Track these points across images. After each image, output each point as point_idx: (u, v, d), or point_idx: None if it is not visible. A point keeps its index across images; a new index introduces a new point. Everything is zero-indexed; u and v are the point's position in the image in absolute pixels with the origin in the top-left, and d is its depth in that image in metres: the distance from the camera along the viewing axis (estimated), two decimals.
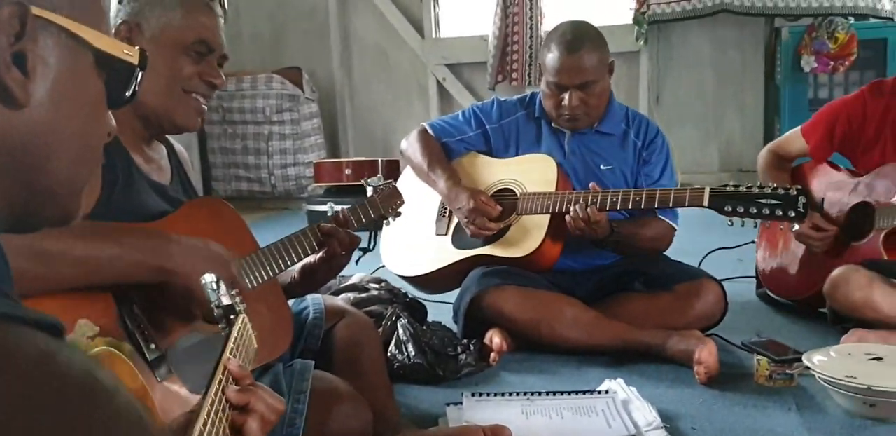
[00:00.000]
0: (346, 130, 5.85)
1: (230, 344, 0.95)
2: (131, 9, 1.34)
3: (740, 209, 2.02)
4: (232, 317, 1.02)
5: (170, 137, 1.53)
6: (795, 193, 1.98)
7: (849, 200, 2.34)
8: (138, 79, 0.63)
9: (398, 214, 1.87)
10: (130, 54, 0.61)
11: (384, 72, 5.80)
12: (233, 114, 5.34)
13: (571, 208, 2.13)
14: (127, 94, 0.63)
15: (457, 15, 5.81)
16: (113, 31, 1.33)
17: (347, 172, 4.62)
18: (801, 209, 1.97)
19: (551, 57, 2.26)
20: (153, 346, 1.18)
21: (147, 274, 1.17)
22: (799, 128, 2.50)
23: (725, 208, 2.04)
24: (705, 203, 2.06)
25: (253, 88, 5.29)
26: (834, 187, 2.40)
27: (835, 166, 2.46)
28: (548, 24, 5.23)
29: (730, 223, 2.06)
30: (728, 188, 2.04)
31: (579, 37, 2.24)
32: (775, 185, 2.03)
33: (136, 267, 1.16)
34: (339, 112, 5.82)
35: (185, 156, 1.58)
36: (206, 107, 1.42)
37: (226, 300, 1.01)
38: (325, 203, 4.51)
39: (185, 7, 1.35)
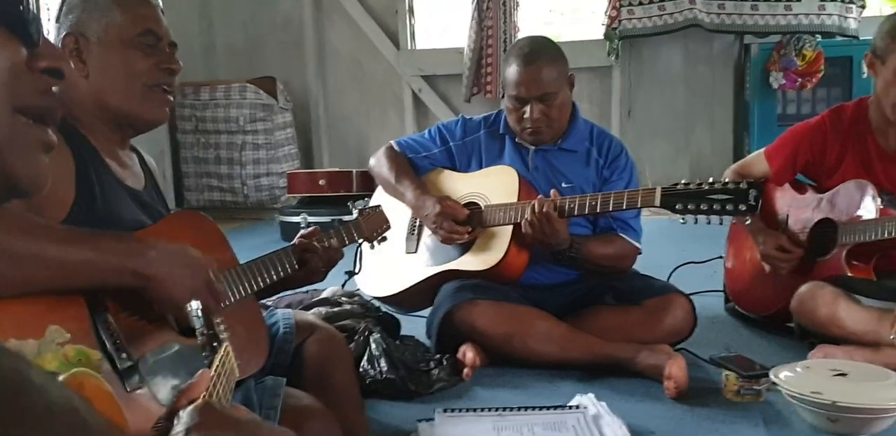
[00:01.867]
0: (321, 140, 5.85)
1: (213, 375, 0.95)
2: (70, 21, 1.37)
3: (691, 206, 1.99)
4: (215, 345, 1.02)
5: (141, 149, 1.54)
6: (746, 186, 1.94)
7: (812, 216, 2.38)
8: (28, 3, 0.58)
9: (384, 239, 1.88)
10: None
11: (359, 82, 5.81)
12: (206, 123, 5.32)
13: (527, 212, 2.14)
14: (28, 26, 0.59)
15: (432, 27, 5.85)
16: (60, 45, 1.35)
17: (321, 182, 4.61)
18: (753, 202, 1.93)
19: (510, 71, 2.30)
20: (125, 355, 1.17)
21: (123, 279, 1.17)
22: (763, 150, 2.54)
23: (677, 206, 2.00)
24: (657, 203, 2.04)
25: (227, 98, 5.27)
26: (798, 204, 2.45)
27: (799, 184, 2.50)
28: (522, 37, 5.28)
29: (682, 221, 2.03)
30: (679, 186, 2.03)
31: (536, 50, 2.28)
32: (726, 180, 2.01)
33: (112, 272, 1.15)
34: (313, 122, 5.82)
35: (153, 165, 1.58)
36: (171, 98, 1.43)
37: (209, 328, 1.02)
38: (298, 214, 4.52)
39: (121, 4, 1.37)
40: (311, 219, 4.44)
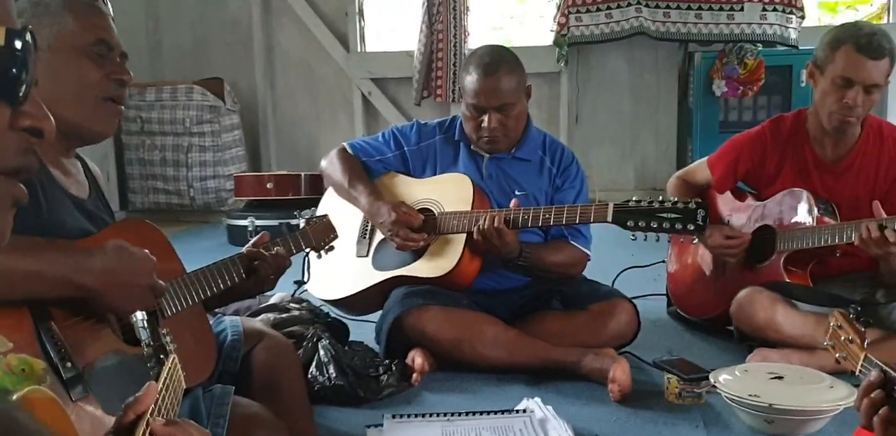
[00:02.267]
0: (269, 142, 5.80)
1: (161, 386, 0.95)
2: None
3: (642, 224, 2.05)
4: (162, 357, 1.02)
5: (84, 157, 1.52)
6: (695, 206, 2.01)
7: (752, 223, 2.45)
8: (21, 65, 0.58)
9: (331, 248, 1.88)
10: None
11: (308, 84, 5.78)
12: (151, 124, 5.23)
13: (478, 223, 2.17)
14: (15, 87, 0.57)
15: (382, 30, 5.85)
16: None
17: (269, 185, 4.57)
18: (700, 222, 2.00)
19: (470, 79, 2.31)
20: (69, 364, 1.15)
21: (67, 291, 1.16)
22: (706, 159, 2.61)
23: (628, 223, 2.06)
24: (609, 219, 2.09)
25: (173, 99, 5.19)
26: (738, 211, 2.52)
27: (739, 192, 2.57)
28: (472, 42, 5.32)
29: (633, 238, 2.09)
30: (630, 203, 2.08)
31: (497, 60, 2.30)
32: (675, 199, 2.06)
33: (56, 284, 1.15)
34: (261, 124, 5.77)
35: (98, 173, 1.56)
36: (122, 109, 1.41)
37: (156, 340, 1.01)
38: (245, 218, 4.48)
39: (74, 11, 1.34)
40: (258, 223, 4.41)
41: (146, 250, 1.28)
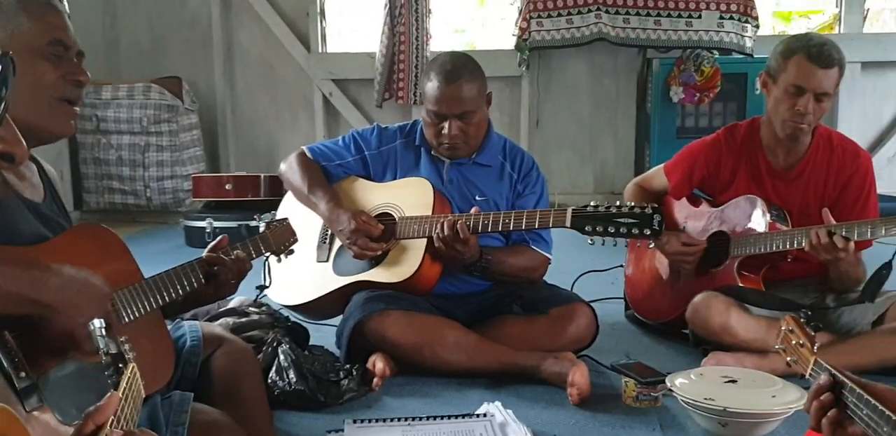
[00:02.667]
0: (227, 142, 5.74)
1: (121, 398, 0.94)
2: None
3: (599, 229, 2.07)
4: (121, 365, 1.01)
5: (36, 153, 1.49)
6: (651, 211, 2.04)
7: (707, 229, 2.49)
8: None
9: (291, 252, 1.87)
10: None
11: (268, 84, 5.74)
12: (107, 123, 5.14)
13: (437, 228, 2.18)
14: None
15: (344, 31, 5.83)
16: None
17: (228, 186, 4.53)
18: (657, 227, 2.04)
19: (431, 86, 2.31)
20: (23, 374, 1.13)
21: (23, 308, 1.14)
22: (662, 165, 2.66)
23: (586, 228, 2.09)
24: (568, 224, 2.12)
25: (129, 97, 5.12)
26: (693, 217, 2.56)
27: (695, 198, 2.62)
28: (434, 44, 5.33)
29: (591, 242, 2.11)
30: (588, 209, 2.10)
31: (459, 68, 2.30)
32: (632, 204, 2.09)
33: (11, 300, 1.12)
34: (219, 124, 5.72)
35: (54, 175, 1.53)
36: (77, 109, 1.38)
37: (114, 348, 1.00)
38: (203, 219, 4.44)
39: (29, 11, 1.31)
40: (216, 224, 4.37)
41: (103, 281, 1.25)
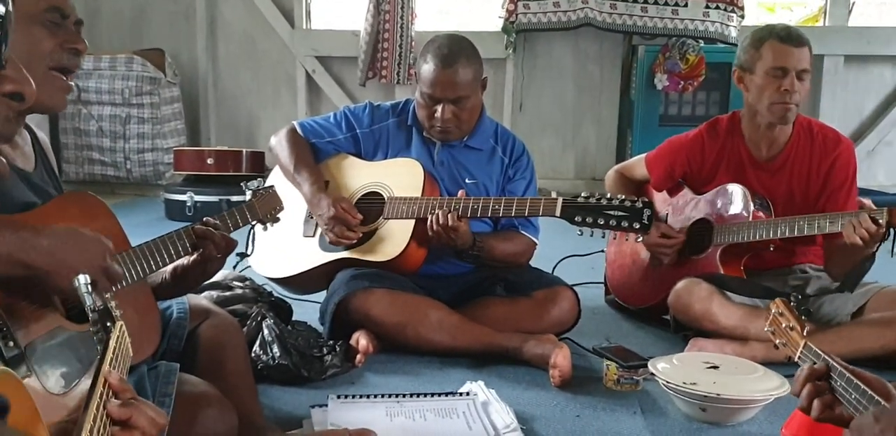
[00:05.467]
0: (209, 116, 5.68)
1: (109, 354, 0.93)
2: None
3: (589, 220, 2.10)
4: (109, 324, 0.99)
5: (36, 129, 1.47)
6: (641, 205, 2.07)
7: (690, 216, 2.51)
8: (4, 30, 0.55)
9: (277, 220, 1.86)
10: None
11: (251, 59, 5.67)
12: (89, 94, 5.06)
13: (432, 213, 2.18)
14: None
15: (329, 7, 5.77)
16: None
17: (210, 161, 4.49)
18: (646, 221, 2.06)
19: (427, 68, 2.29)
20: (11, 343, 1.12)
21: (14, 269, 1.12)
22: (644, 156, 2.68)
23: (576, 219, 2.11)
24: (558, 213, 2.14)
25: (112, 69, 5.04)
26: (676, 205, 2.58)
27: (679, 186, 2.63)
28: (419, 24, 5.30)
29: (579, 233, 2.14)
30: (579, 199, 2.12)
31: (456, 52, 2.28)
32: (623, 197, 2.11)
33: (1, 262, 1.10)
34: (201, 98, 5.65)
35: (46, 143, 1.51)
36: (72, 84, 1.36)
37: (101, 304, 0.98)
38: (184, 193, 4.40)
39: None
40: (197, 198, 4.34)
41: (100, 235, 1.24)
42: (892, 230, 2.07)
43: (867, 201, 2.24)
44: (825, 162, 2.40)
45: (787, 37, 2.29)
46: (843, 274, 2.23)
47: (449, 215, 2.15)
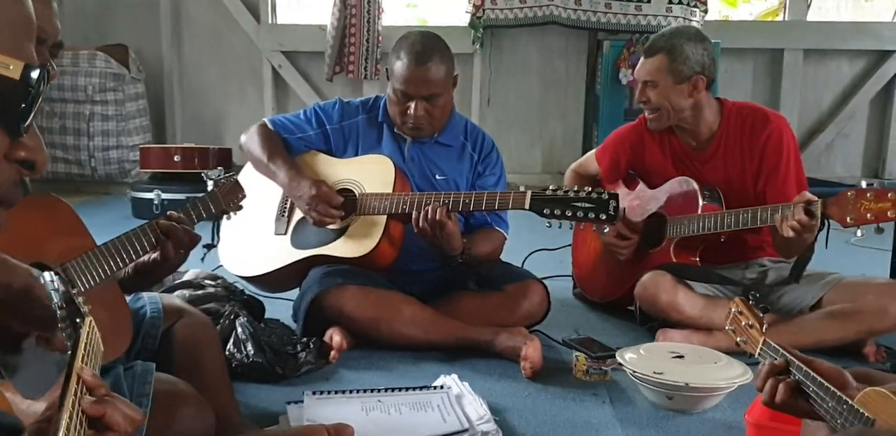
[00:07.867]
0: (174, 113, 5.64)
1: (80, 350, 0.93)
2: None
3: (557, 212, 2.13)
4: (77, 320, 0.99)
5: None
6: (607, 197, 2.11)
7: (645, 210, 2.54)
8: (31, 101, 0.59)
9: (240, 208, 1.85)
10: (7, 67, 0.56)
11: (216, 54, 5.64)
12: (51, 91, 4.99)
13: (422, 213, 2.19)
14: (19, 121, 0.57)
15: (295, 1, 5.74)
16: None
17: (176, 158, 4.47)
18: (612, 212, 2.10)
19: (399, 65, 2.30)
20: None
21: None
22: (594, 151, 2.72)
23: (544, 211, 2.14)
24: (527, 206, 2.17)
25: (74, 65, 4.98)
26: (631, 200, 2.60)
27: (632, 179, 2.66)
28: (386, 19, 5.30)
29: (548, 225, 2.17)
30: (548, 192, 2.15)
31: (429, 49, 2.30)
32: (590, 189, 2.15)
33: None
34: (166, 94, 5.61)
35: None
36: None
37: (67, 302, 0.98)
38: (151, 190, 4.37)
39: None
40: (164, 196, 4.32)
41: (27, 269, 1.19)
42: (827, 221, 2.05)
43: (806, 193, 2.20)
44: (756, 144, 2.39)
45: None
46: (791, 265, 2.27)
47: (439, 209, 2.17)
